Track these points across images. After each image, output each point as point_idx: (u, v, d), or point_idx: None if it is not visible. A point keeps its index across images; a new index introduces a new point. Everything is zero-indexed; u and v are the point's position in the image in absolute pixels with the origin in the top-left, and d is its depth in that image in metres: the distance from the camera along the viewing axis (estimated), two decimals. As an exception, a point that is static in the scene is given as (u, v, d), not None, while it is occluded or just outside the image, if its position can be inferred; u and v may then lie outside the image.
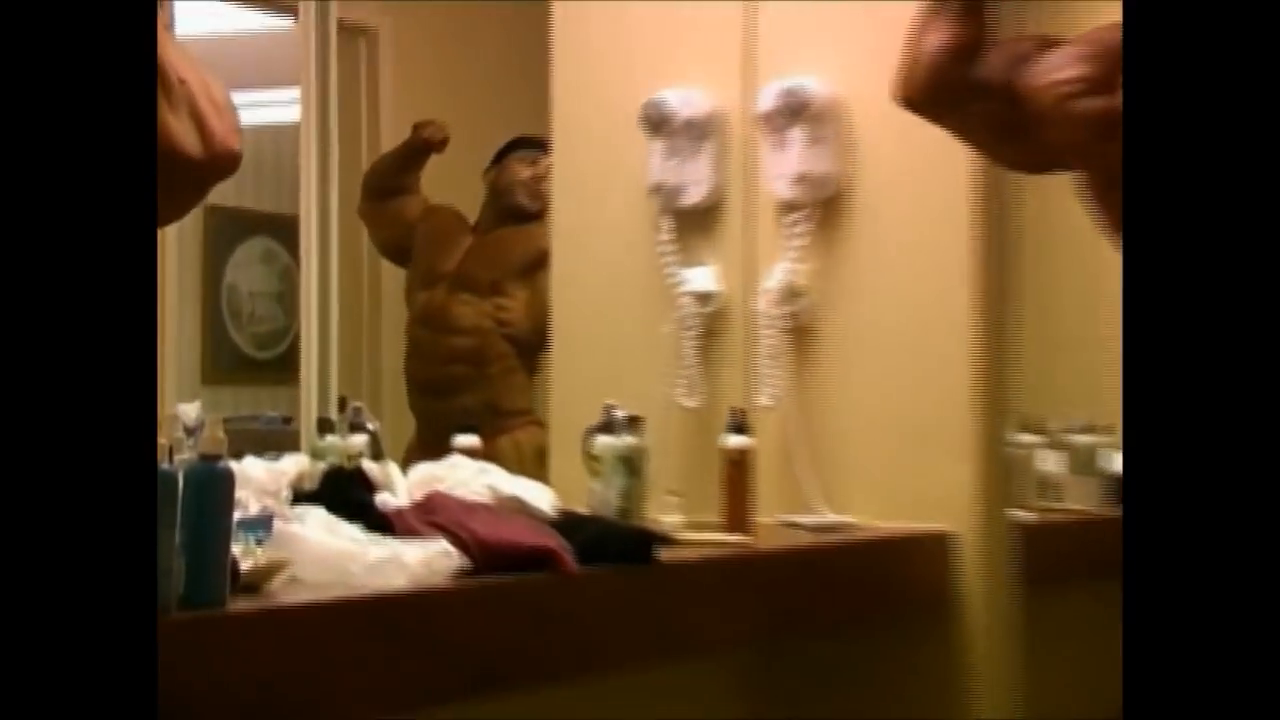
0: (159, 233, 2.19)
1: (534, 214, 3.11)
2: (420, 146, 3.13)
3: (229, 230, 2.92)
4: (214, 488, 1.49)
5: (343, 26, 3.01)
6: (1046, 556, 2.30)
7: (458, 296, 3.12)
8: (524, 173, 3.15)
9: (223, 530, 1.51)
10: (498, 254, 3.17)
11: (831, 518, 2.53)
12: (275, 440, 2.68)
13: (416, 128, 3.12)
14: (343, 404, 2.54)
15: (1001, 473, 2.51)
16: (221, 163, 1.45)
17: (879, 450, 2.54)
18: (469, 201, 3.20)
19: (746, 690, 2.55)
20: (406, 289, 3.19)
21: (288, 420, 3.00)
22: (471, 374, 3.10)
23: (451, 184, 3.22)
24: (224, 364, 3.14)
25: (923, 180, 2.51)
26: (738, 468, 2.40)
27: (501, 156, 3.17)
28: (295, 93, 2.94)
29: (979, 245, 2.49)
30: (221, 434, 1.53)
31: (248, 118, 3.14)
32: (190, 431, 1.92)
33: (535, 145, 3.08)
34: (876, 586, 2.41)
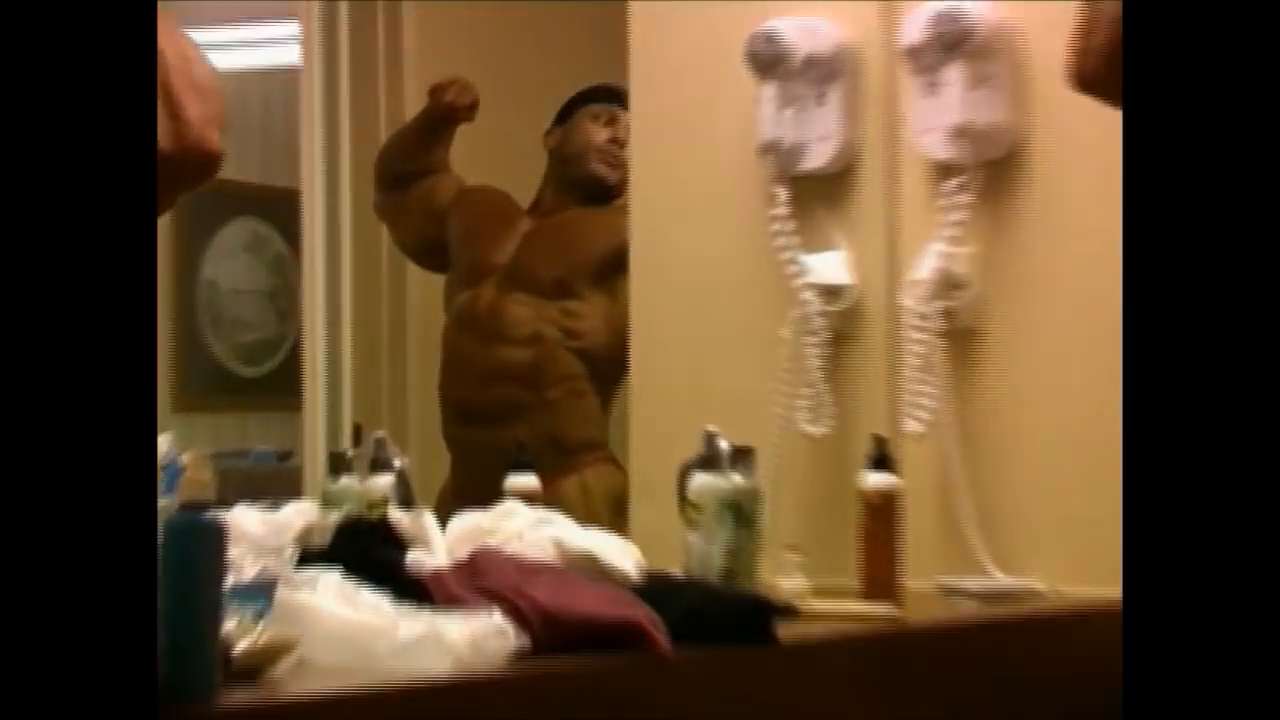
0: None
1: (613, 188, 3.14)
2: (442, 115, 3.15)
3: (206, 210, 2.97)
4: (200, 546, 1.51)
5: None
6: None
7: (512, 296, 3.14)
8: (599, 134, 3.18)
9: (212, 601, 1.52)
10: (566, 243, 3.19)
11: (1006, 581, 2.53)
12: (272, 483, 2.80)
13: (434, 91, 3.13)
14: (359, 434, 2.60)
15: None
16: (194, 161, 1.53)
17: (1067, 491, 2.54)
18: (521, 179, 3.20)
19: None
20: (445, 288, 3.20)
21: (286, 456, 3.01)
22: (528, 396, 3.12)
23: (496, 154, 3.23)
24: (200, 384, 3.18)
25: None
26: (880, 515, 2.40)
27: (568, 114, 3.18)
28: (293, 27, 2.93)
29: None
30: (208, 474, 1.67)
31: (231, 60, 3.17)
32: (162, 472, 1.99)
33: (612, 98, 3.10)
34: (1068, 672, 2.36)
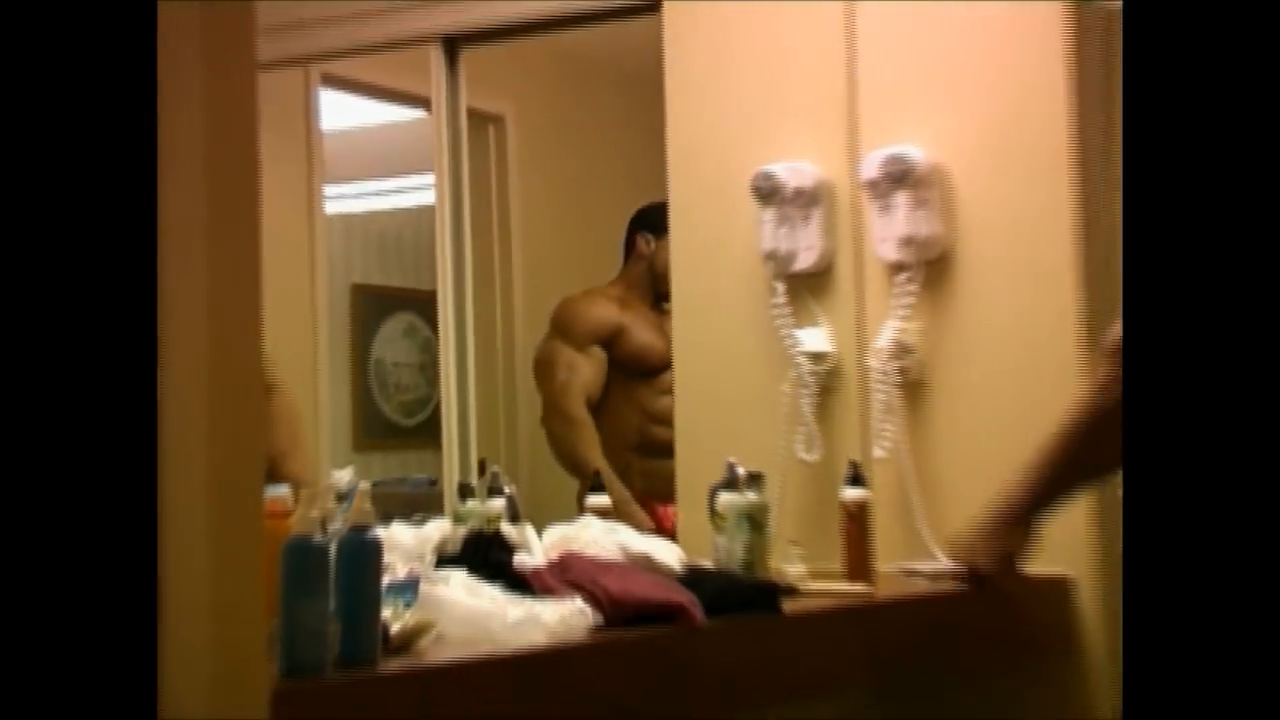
0: (313, 312, 2.45)
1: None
2: None
3: (374, 307, 2.95)
4: (363, 557, 1.50)
5: (472, 115, 3.02)
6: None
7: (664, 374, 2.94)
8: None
9: (372, 595, 1.51)
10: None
11: (949, 564, 2.44)
12: (422, 501, 2.75)
13: None
14: (482, 467, 2.55)
15: (1117, 515, 2.37)
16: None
17: (992, 496, 2.41)
18: (594, 264, 3.13)
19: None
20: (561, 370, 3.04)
21: (433, 482, 2.96)
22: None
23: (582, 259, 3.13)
24: (374, 431, 3.14)
25: (1025, 238, 2.49)
26: (856, 519, 2.37)
27: (665, 226, 2.87)
28: (430, 178, 2.93)
29: (1084, 298, 2.46)
30: (369, 505, 1.53)
31: (386, 205, 3.18)
32: (343, 498, 1.89)
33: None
34: (997, 631, 2.34)
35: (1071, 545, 2.39)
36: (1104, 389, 1.71)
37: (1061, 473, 1.80)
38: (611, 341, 3.02)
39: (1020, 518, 1.83)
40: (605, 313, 3.02)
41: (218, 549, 1.19)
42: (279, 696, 1.25)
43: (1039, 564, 2.34)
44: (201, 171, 1.19)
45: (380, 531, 1.58)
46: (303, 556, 1.41)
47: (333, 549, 1.45)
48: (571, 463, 2.97)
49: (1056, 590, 2.40)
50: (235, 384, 1.22)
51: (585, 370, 3.00)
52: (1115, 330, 1.72)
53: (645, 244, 3.04)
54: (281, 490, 1.51)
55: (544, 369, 3.04)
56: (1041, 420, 2.34)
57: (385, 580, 1.58)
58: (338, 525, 1.54)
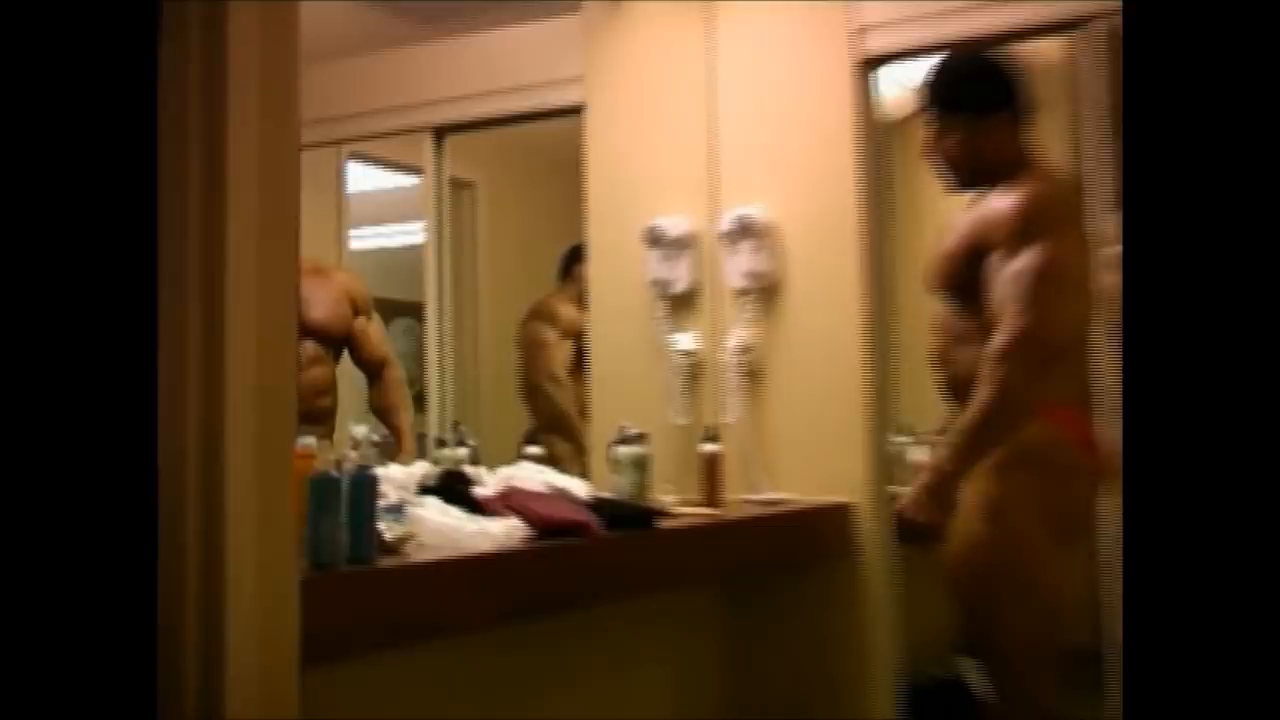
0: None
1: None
2: None
3: (385, 313, 2.78)
4: (365, 486, 1.47)
5: (453, 181, 2.89)
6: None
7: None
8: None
9: (372, 514, 1.48)
10: None
11: (774, 495, 2.46)
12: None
13: None
14: (455, 427, 2.52)
15: (884, 462, 2.43)
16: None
17: (804, 449, 2.48)
18: (536, 285, 2.98)
19: (717, 610, 2.49)
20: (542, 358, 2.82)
21: (421, 436, 2.79)
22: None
23: (529, 284, 3.04)
24: None
25: (828, 273, 2.48)
26: (711, 464, 2.34)
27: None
28: (422, 225, 2.89)
29: (867, 313, 2.45)
30: (370, 450, 1.60)
31: (393, 243, 3.09)
32: (357, 445, 1.85)
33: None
34: (804, 541, 2.35)
35: (851, 481, 2.39)
36: (998, 387, 1.68)
37: (972, 450, 1.78)
38: (578, 335, 2.80)
39: (949, 484, 1.81)
40: (574, 313, 2.81)
41: (262, 482, 1.16)
42: (306, 583, 1.23)
43: (828, 494, 2.38)
44: (257, 221, 1.15)
45: (379, 470, 1.55)
46: (323, 486, 1.39)
47: (345, 481, 1.42)
48: (554, 415, 2.77)
49: (841, 513, 2.39)
50: (276, 370, 1.18)
51: (563, 350, 2.80)
52: (996, 341, 1.68)
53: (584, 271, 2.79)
54: (309, 440, 1.41)
55: (534, 346, 2.82)
56: (837, 397, 2.43)
57: (381, 503, 1.53)
58: (350, 464, 1.49)
